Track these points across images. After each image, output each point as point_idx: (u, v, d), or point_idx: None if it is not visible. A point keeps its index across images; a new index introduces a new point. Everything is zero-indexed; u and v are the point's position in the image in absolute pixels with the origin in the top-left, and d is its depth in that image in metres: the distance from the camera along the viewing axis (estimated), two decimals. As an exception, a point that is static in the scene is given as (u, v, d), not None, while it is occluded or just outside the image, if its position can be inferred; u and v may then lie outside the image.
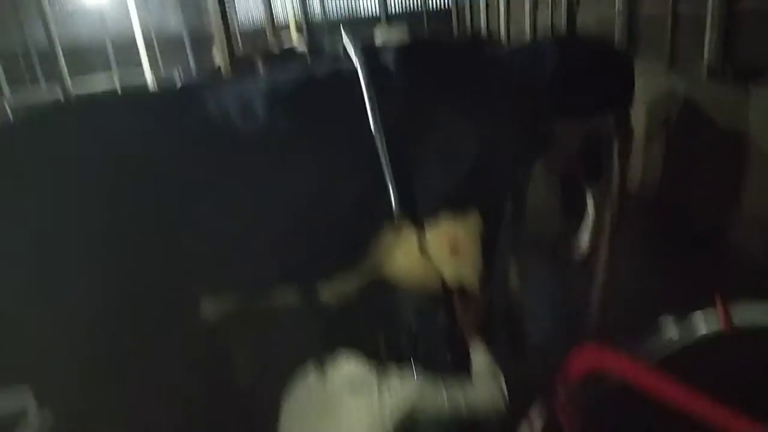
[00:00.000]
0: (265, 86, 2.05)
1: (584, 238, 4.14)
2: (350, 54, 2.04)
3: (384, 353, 2.04)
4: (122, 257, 1.84)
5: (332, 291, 2.21)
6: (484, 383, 1.98)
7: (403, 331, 2.78)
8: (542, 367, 2.10)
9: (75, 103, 2.86)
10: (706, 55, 4.38)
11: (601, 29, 6.46)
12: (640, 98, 4.72)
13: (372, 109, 1.91)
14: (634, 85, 3.62)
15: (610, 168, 2.53)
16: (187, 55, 12.95)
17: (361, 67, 1.97)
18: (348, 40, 2.08)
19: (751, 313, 1.17)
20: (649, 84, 4.79)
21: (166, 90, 3.20)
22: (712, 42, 4.32)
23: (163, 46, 12.40)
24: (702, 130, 4.17)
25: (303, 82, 2.06)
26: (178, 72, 10.73)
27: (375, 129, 1.91)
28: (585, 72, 3.11)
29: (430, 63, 2.10)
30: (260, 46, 8.58)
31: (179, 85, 6.15)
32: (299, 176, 1.95)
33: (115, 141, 1.85)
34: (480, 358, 2.12)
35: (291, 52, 6.88)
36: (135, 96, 2.33)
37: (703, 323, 1.21)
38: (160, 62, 11.96)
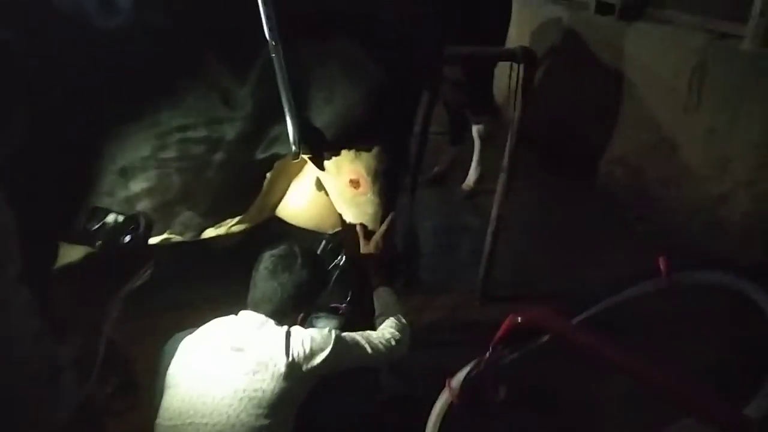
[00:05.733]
0: None
1: (473, 170, 4.15)
2: None
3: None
4: None
5: (221, 233, 1.95)
6: (389, 324, 1.88)
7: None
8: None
9: None
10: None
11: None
12: (526, 27, 4.73)
13: (267, 16, 1.52)
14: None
15: (516, 98, 2.42)
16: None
17: None
18: None
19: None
20: (534, 13, 4.79)
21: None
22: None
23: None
24: (583, 62, 4.24)
25: None
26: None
27: (271, 37, 1.53)
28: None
29: None
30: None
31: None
32: (174, 86, 1.54)
33: None
34: (383, 297, 2.01)
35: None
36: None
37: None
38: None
